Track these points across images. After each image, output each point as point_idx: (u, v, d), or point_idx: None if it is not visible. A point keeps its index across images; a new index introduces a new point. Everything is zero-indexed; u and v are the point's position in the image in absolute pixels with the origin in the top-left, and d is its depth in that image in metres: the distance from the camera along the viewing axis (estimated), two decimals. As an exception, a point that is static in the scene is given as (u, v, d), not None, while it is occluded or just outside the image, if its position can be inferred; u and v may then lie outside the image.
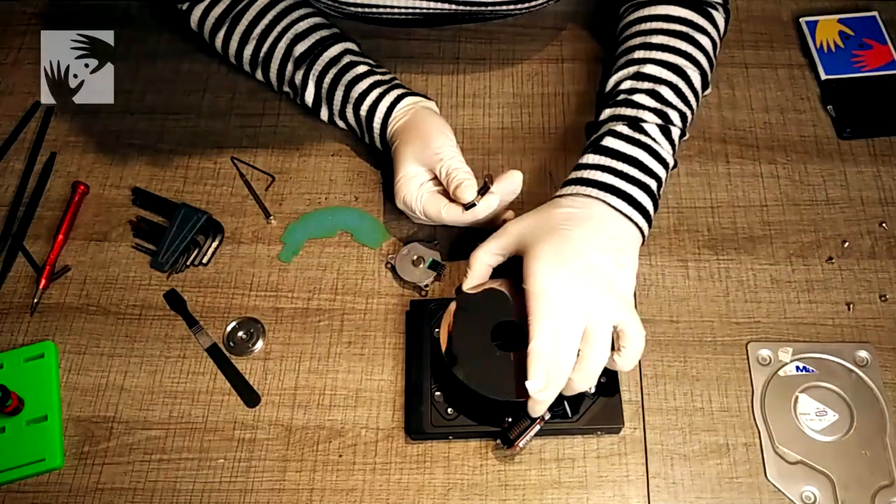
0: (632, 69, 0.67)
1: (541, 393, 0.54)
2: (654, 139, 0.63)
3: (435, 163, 0.64)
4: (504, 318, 0.60)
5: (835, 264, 0.69)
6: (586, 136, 0.70)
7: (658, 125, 0.64)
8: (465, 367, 0.58)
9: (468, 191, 0.62)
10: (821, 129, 0.76)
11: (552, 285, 0.55)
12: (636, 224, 0.60)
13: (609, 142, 0.63)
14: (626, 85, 0.67)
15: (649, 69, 0.66)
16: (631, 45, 0.69)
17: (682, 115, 0.66)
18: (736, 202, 0.72)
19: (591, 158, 0.63)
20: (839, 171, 0.73)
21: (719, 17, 0.70)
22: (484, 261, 0.61)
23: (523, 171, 0.64)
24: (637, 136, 0.63)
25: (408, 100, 0.68)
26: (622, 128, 0.63)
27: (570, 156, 0.75)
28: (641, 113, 0.64)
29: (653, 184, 0.62)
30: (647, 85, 0.66)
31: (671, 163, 0.64)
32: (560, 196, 0.62)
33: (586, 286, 0.56)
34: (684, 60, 0.67)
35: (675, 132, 0.65)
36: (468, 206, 0.62)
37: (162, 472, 0.62)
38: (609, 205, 0.60)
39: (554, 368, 0.54)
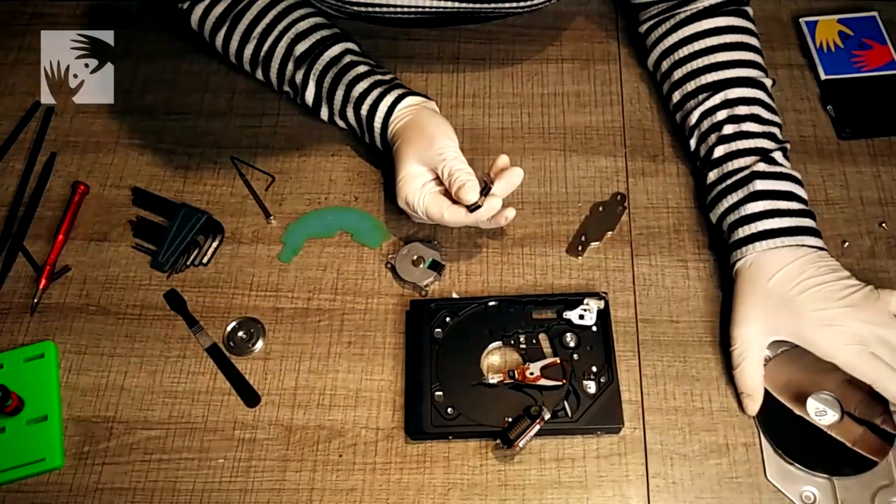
0: (717, 97, 0.69)
1: None
2: (783, 165, 0.66)
3: (437, 163, 0.64)
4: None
5: (835, 264, 0.69)
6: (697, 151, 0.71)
7: (778, 149, 0.66)
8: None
9: (471, 192, 0.62)
10: (820, 130, 0.76)
11: (840, 340, 0.59)
12: (816, 247, 0.63)
13: (762, 185, 0.65)
14: (723, 115, 0.68)
15: (736, 93, 0.68)
16: (696, 67, 0.71)
17: (779, 126, 0.69)
18: (736, 202, 0.72)
19: (756, 207, 0.64)
20: (839, 171, 0.73)
21: (749, 10, 0.73)
22: (758, 378, 0.62)
23: (523, 171, 0.64)
24: (776, 169, 0.65)
25: (409, 100, 0.68)
26: (762, 166, 0.65)
27: (569, 156, 0.75)
28: (760, 142, 0.67)
29: (805, 205, 0.65)
30: (743, 110, 0.68)
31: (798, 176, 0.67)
32: (746, 256, 0.64)
33: (854, 312, 0.59)
34: (754, 70, 0.70)
35: (784, 150, 0.67)
36: (472, 208, 0.62)
37: (162, 472, 0.62)
38: (795, 246, 0.63)
39: None
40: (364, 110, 0.69)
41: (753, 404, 0.62)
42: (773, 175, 0.65)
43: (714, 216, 0.68)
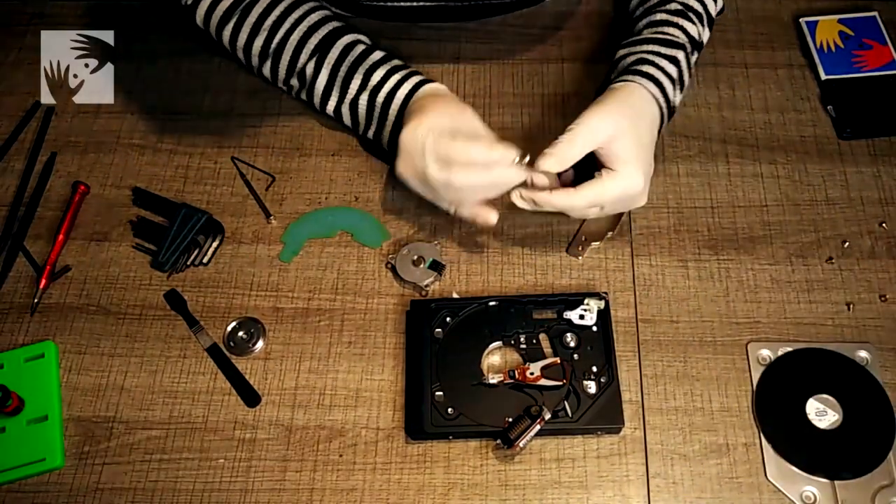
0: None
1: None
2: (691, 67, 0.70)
3: (473, 118, 0.65)
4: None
5: (835, 264, 0.69)
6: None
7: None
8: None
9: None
10: (821, 130, 0.76)
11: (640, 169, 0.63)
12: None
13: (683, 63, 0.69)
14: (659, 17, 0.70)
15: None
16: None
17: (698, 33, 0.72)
18: (736, 202, 0.72)
19: (671, 70, 0.67)
20: (839, 171, 0.73)
21: None
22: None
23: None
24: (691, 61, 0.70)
25: (430, 86, 0.69)
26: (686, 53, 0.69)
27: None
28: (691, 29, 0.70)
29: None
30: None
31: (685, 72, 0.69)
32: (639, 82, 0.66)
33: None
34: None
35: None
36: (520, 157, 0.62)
37: (162, 472, 0.62)
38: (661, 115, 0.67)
39: None
40: (382, 95, 0.69)
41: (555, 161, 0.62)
42: (688, 66, 0.69)
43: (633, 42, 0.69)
